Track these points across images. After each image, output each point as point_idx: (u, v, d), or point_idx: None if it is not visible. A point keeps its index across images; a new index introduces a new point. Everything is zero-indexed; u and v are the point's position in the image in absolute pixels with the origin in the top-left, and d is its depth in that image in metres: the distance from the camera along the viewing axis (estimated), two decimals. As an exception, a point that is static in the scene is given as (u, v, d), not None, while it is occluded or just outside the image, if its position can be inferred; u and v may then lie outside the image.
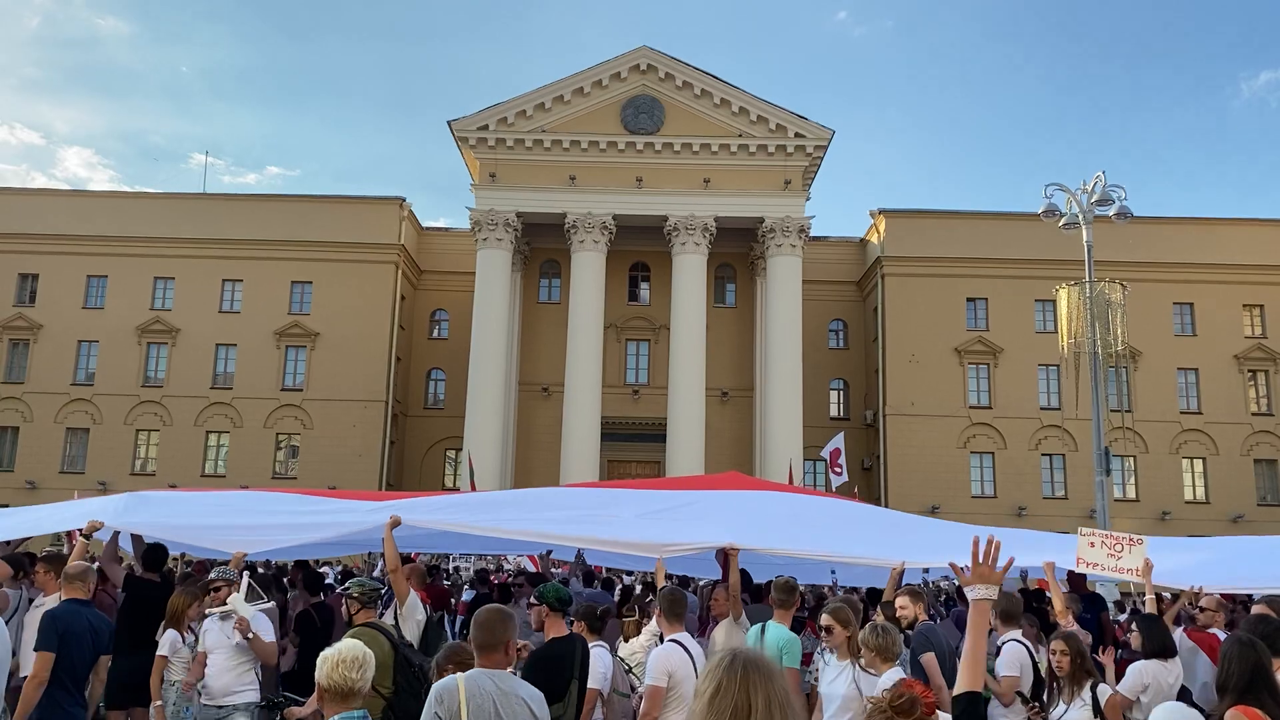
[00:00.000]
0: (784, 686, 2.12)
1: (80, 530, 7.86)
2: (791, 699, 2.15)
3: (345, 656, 3.31)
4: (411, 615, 6.78)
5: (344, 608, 6.27)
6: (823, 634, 6.01)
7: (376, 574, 13.06)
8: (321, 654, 3.40)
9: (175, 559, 12.10)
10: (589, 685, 5.62)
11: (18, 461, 37.52)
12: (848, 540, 8.56)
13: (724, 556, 7.42)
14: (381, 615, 7.40)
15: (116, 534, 8.62)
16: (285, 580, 11.43)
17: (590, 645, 5.78)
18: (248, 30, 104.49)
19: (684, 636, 5.83)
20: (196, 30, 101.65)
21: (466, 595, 14.22)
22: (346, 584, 6.37)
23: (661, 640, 5.95)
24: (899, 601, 7.66)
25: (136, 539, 8.76)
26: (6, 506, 17.56)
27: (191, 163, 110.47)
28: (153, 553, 8.43)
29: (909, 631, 7.23)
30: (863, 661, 5.48)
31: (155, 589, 8.08)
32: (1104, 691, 5.24)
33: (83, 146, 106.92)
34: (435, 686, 3.91)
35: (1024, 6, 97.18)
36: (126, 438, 37.70)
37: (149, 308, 38.60)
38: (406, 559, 8.79)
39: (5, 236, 38.74)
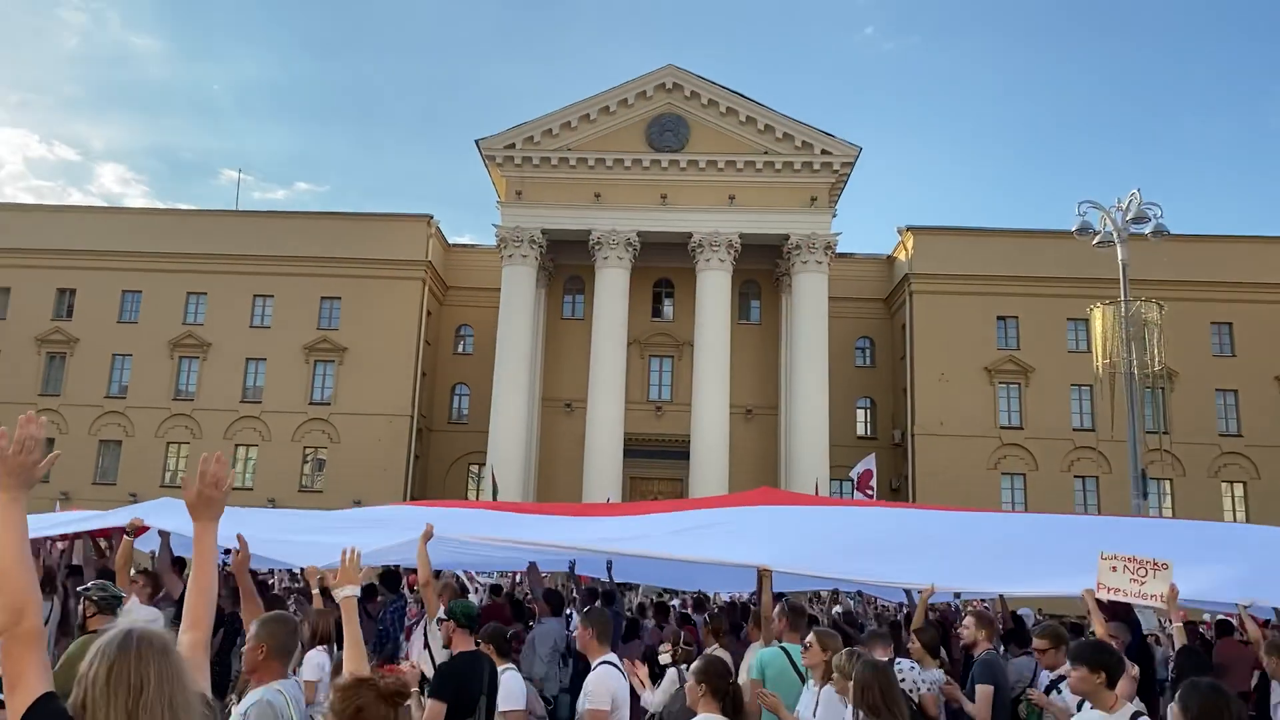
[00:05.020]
0: (177, 664, 2.16)
1: (124, 529, 7.81)
2: (185, 676, 2.14)
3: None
4: (441, 630, 6.69)
5: (79, 609, 6.00)
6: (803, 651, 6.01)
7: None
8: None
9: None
10: (512, 706, 5.53)
11: (52, 473, 38.01)
12: (879, 561, 8.19)
13: (758, 578, 7.25)
14: (408, 632, 7.30)
15: (166, 538, 8.49)
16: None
17: (500, 669, 5.66)
18: (278, 48, 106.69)
19: (614, 657, 5.80)
20: (228, 48, 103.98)
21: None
22: (89, 585, 6.15)
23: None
24: (965, 621, 7.37)
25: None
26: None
27: (223, 178, 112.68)
28: (179, 567, 8.41)
29: (973, 654, 6.95)
30: (835, 687, 5.29)
31: None
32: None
33: (117, 163, 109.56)
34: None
35: (1053, 22, 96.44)
36: (157, 450, 38.21)
37: (181, 322, 39.22)
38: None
39: (45, 252, 39.66)
